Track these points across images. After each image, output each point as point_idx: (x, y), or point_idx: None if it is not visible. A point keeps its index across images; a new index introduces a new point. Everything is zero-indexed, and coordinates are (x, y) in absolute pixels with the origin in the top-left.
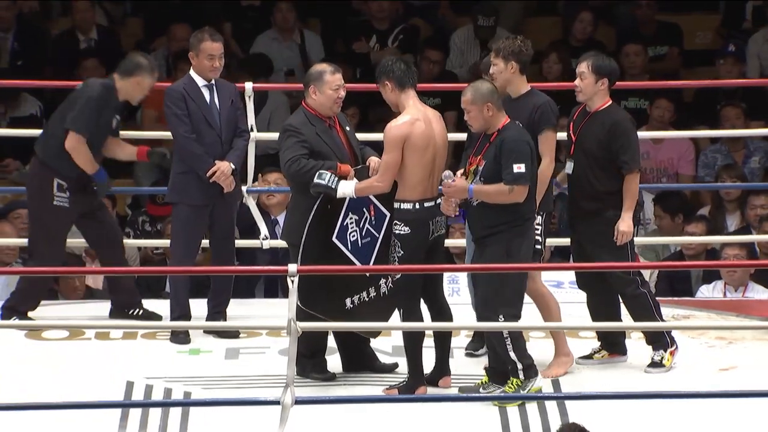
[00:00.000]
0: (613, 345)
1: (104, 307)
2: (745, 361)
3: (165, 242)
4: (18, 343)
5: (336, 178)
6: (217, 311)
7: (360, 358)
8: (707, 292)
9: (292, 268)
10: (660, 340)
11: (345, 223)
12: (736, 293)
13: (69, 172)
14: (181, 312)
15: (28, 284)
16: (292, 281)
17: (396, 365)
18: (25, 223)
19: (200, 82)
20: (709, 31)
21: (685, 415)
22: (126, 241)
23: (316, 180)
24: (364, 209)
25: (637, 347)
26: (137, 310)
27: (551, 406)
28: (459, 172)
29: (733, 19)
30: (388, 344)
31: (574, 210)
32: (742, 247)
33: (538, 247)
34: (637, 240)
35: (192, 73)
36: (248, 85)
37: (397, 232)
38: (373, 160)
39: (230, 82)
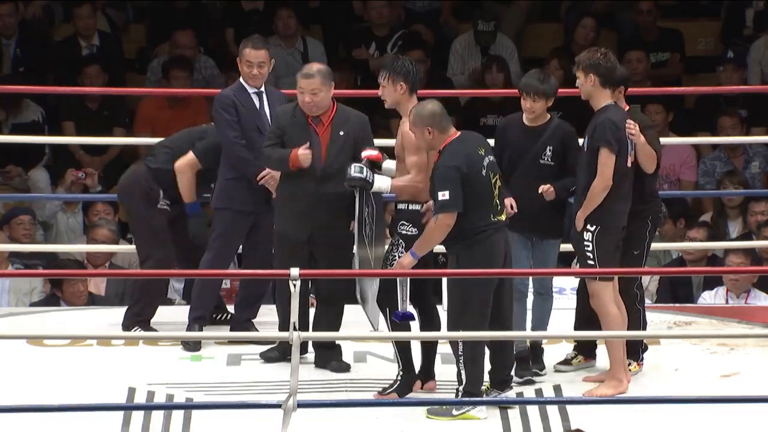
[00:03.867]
0: (588, 350)
1: (107, 313)
2: (747, 368)
3: None
4: (20, 350)
5: (370, 172)
6: (247, 319)
7: (325, 354)
8: (709, 298)
9: (294, 272)
10: (635, 353)
11: (364, 216)
12: (738, 300)
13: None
14: (202, 313)
15: (140, 291)
16: (294, 285)
17: (348, 366)
18: (27, 229)
19: (250, 89)
20: (711, 37)
21: (686, 421)
22: (128, 246)
23: (353, 173)
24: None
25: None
26: (224, 315)
27: (552, 411)
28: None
29: (734, 26)
30: (389, 350)
31: None
32: (746, 255)
33: (591, 262)
34: None
35: (241, 79)
36: None
37: (403, 232)
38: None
39: (280, 90)
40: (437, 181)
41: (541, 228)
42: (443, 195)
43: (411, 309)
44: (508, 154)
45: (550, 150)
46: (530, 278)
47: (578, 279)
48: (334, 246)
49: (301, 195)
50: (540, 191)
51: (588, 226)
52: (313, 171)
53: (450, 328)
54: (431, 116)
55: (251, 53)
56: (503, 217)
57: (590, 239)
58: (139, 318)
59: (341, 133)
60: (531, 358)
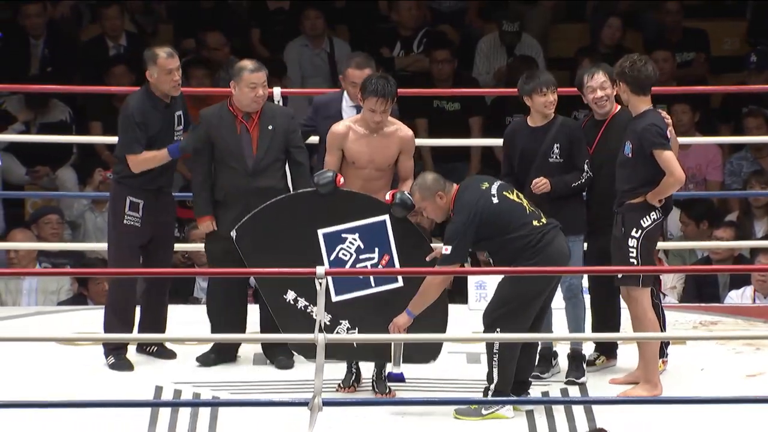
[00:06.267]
0: (609, 350)
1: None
2: None
3: (191, 246)
4: (49, 348)
5: None
6: None
7: (273, 349)
8: (736, 297)
9: (320, 270)
10: (659, 350)
11: (343, 236)
12: (765, 300)
13: (139, 192)
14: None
15: (109, 314)
16: (320, 283)
17: (293, 363)
18: (55, 229)
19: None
20: (737, 37)
21: (711, 421)
22: None
23: (410, 203)
24: (377, 249)
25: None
26: (154, 347)
27: (578, 411)
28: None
29: (759, 26)
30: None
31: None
32: None
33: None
34: (665, 245)
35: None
36: (276, 90)
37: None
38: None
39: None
40: (446, 236)
41: (561, 226)
42: (446, 249)
43: (402, 370)
44: (518, 158)
45: (557, 147)
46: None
47: (588, 279)
48: None
49: (235, 193)
50: (531, 185)
51: (633, 233)
52: (245, 167)
53: (488, 325)
54: (435, 182)
55: (352, 73)
56: (545, 220)
57: (635, 245)
58: (111, 346)
59: (270, 127)
60: (570, 366)
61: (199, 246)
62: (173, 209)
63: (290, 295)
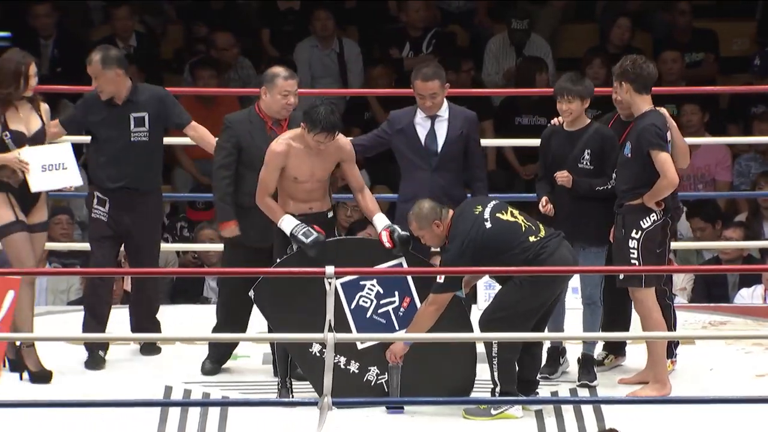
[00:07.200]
0: (618, 349)
1: None
2: None
3: (200, 247)
4: (58, 348)
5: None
6: None
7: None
8: (747, 296)
9: (330, 270)
10: (668, 350)
11: (361, 283)
12: None
13: (100, 189)
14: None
15: (84, 311)
16: (330, 283)
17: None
18: (65, 229)
19: (419, 115)
20: (746, 37)
21: (720, 420)
22: (164, 245)
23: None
24: (397, 293)
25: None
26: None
27: (587, 411)
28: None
29: None
30: None
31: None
32: None
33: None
34: (674, 245)
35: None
36: None
37: None
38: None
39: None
40: (440, 265)
41: (584, 234)
42: (440, 278)
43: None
44: (549, 161)
45: (588, 153)
46: (579, 289)
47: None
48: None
49: None
50: (555, 176)
51: (633, 234)
52: None
53: (484, 328)
54: (432, 211)
55: (419, 85)
56: (544, 233)
57: (636, 247)
58: (88, 349)
59: None
60: (582, 370)
61: (208, 246)
62: (154, 208)
63: (316, 348)
